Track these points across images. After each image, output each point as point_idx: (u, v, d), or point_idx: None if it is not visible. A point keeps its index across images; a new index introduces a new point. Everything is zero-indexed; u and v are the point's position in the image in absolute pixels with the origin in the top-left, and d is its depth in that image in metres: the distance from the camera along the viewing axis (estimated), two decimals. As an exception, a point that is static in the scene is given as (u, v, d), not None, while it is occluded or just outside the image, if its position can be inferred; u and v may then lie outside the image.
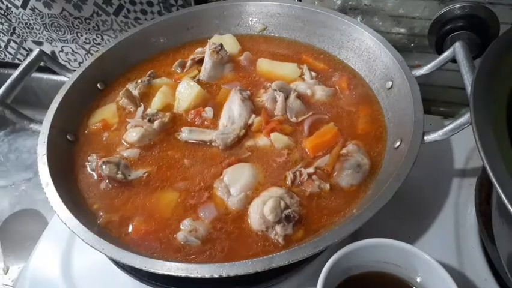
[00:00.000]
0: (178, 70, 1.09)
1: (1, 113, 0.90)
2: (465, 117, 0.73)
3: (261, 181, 0.82)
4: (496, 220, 0.68)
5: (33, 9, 1.42)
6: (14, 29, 1.53)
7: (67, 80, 1.00)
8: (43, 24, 1.46)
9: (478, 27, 0.94)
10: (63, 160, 0.89)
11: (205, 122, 0.94)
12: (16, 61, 1.66)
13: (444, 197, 0.90)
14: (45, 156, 0.84)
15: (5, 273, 1.21)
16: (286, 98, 0.93)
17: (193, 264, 0.66)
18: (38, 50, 1.01)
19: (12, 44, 1.60)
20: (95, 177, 0.87)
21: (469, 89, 0.76)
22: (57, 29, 1.46)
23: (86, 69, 1.02)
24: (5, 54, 1.65)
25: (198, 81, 1.03)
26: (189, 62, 1.08)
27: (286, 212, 0.74)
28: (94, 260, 0.86)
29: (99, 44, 1.47)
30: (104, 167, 0.84)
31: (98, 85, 1.06)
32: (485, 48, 0.67)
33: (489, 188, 0.84)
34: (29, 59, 0.98)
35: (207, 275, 0.63)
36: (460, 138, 0.79)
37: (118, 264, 0.82)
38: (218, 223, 0.77)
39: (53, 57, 1.12)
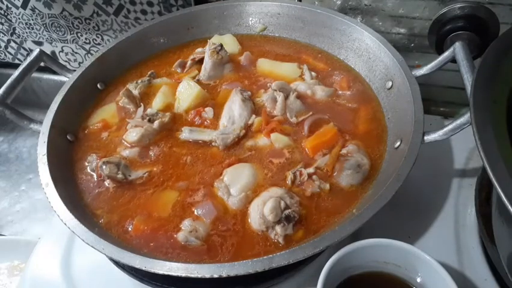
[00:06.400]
0: (178, 70, 1.09)
1: (1, 113, 0.90)
2: (465, 117, 0.73)
3: (261, 181, 0.82)
4: (496, 220, 0.68)
5: (33, 9, 1.42)
6: (14, 29, 1.53)
7: (67, 80, 1.00)
8: (43, 24, 1.46)
9: (478, 27, 0.94)
10: (63, 160, 0.89)
11: (206, 122, 0.95)
12: (16, 61, 1.66)
13: (444, 197, 0.90)
14: (45, 156, 0.84)
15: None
16: (286, 98, 0.94)
17: (193, 264, 0.66)
18: (38, 50, 1.01)
19: (12, 44, 1.60)
20: (95, 177, 0.87)
21: (469, 89, 0.76)
22: (58, 29, 1.46)
23: (86, 69, 1.02)
24: (5, 54, 1.65)
25: (198, 81, 1.03)
26: (189, 62, 1.08)
27: (287, 212, 0.74)
28: (94, 260, 0.85)
29: (99, 44, 1.47)
30: (104, 167, 0.84)
31: (98, 85, 1.06)
32: (485, 48, 0.67)
33: (489, 188, 0.84)
34: (29, 59, 0.98)
35: (207, 275, 0.63)
36: (460, 138, 0.79)
37: (118, 264, 0.82)
38: (218, 223, 0.77)
39: (53, 57, 1.12)
